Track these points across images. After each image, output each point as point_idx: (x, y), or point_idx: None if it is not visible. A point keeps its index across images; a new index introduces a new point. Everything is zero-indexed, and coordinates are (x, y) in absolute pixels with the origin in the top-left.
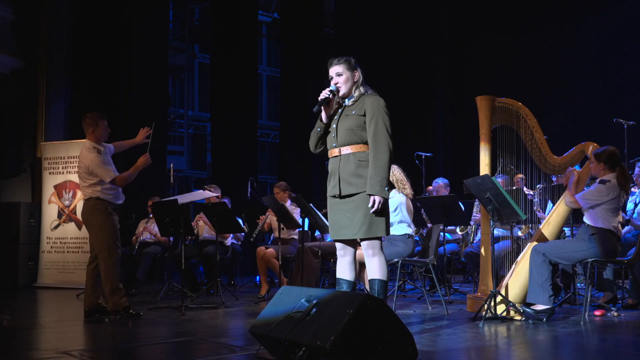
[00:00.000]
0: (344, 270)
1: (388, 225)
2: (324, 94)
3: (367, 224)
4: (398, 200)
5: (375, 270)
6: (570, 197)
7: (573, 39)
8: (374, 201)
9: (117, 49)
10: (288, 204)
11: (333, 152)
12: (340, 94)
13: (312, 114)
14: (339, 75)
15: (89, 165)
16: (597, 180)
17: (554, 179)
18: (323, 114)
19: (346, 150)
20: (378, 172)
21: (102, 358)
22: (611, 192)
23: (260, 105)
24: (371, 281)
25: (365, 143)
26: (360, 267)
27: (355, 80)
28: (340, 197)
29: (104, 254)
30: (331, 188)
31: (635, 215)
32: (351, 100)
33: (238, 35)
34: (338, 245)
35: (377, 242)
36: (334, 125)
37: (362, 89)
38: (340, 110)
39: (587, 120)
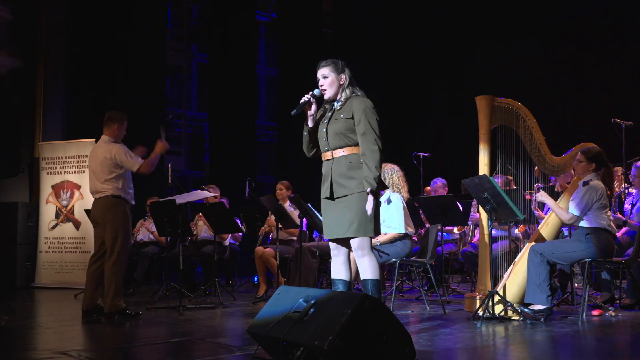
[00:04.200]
0: (338, 270)
1: (378, 225)
2: (305, 97)
3: (357, 223)
4: (399, 200)
5: (366, 270)
6: (565, 214)
7: (571, 39)
8: (369, 200)
9: (115, 49)
10: (287, 204)
11: (326, 155)
12: (326, 97)
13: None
14: (325, 78)
15: (115, 156)
16: (580, 183)
17: (552, 179)
18: (309, 119)
19: (338, 153)
20: (373, 171)
21: (100, 358)
22: (595, 191)
23: (258, 105)
24: (364, 281)
25: (356, 145)
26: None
27: (341, 83)
28: (333, 198)
29: (115, 255)
30: (324, 190)
31: (632, 216)
32: (339, 103)
33: (236, 35)
34: (332, 245)
35: (366, 242)
36: (324, 130)
37: (348, 92)
38: (329, 114)
39: (586, 120)
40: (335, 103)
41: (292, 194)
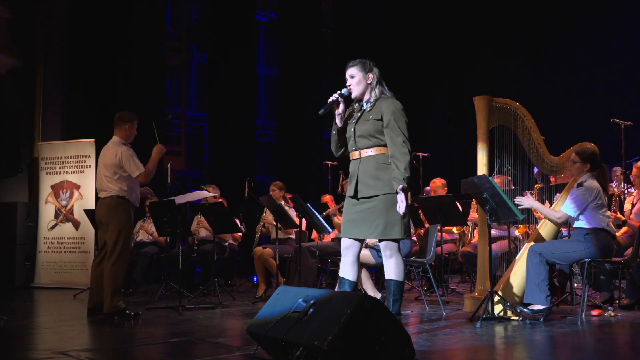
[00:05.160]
0: (346, 270)
1: (406, 227)
2: (333, 97)
3: (383, 225)
4: None
5: (391, 271)
6: (555, 213)
7: (570, 39)
8: (400, 200)
9: (115, 49)
10: (282, 204)
11: (354, 154)
12: (353, 95)
13: (310, 114)
14: (352, 78)
15: (120, 158)
16: (575, 184)
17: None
18: (337, 118)
19: (366, 152)
20: (402, 172)
21: (100, 358)
22: (590, 192)
23: (258, 105)
24: (387, 281)
25: (384, 146)
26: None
27: (368, 82)
28: (357, 198)
29: (115, 255)
30: (349, 189)
31: (632, 215)
32: (369, 104)
33: (236, 35)
34: (343, 244)
35: (394, 244)
36: (352, 129)
37: (377, 92)
38: (359, 114)
39: (584, 120)
40: (365, 103)
41: (286, 194)
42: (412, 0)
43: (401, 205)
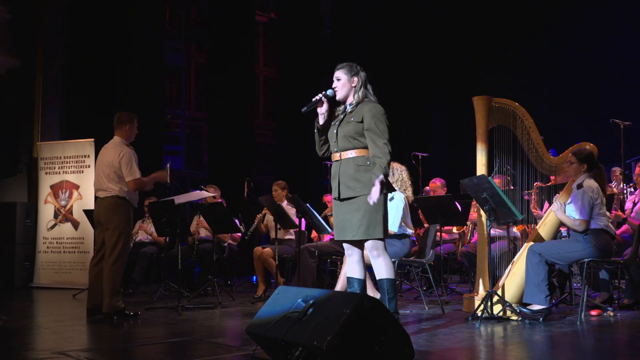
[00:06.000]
0: (353, 269)
1: (386, 227)
2: (317, 96)
3: (365, 225)
4: (401, 200)
5: (381, 270)
6: (575, 222)
7: (569, 39)
8: (375, 190)
9: (114, 49)
10: (284, 204)
11: (335, 156)
12: (337, 97)
13: (309, 114)
14: (338, 80)
15: (121, 159)
16: (574, 186)
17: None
18: (320, 117)
19: (346, 154)
20: (382, 170)
21: (99, 358)
22: (591, 191)
23: (257, 106)
24: (379, 281)
25: (364, 148)
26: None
27: (353, 85)
28: (340, 199)
29: (115, 255)
30: (333, 190)
31: (633, 214)
32: (351, 107)
33: (235, 35)
34: (345, 245)
35: (380, 243)
36: (335, 131)
37: (360, 95)
38: (342, 116)
39: (584, 120)
40: (348, 106)
41: (288, 193)
42: (412, 0)
43: (374, 195)
